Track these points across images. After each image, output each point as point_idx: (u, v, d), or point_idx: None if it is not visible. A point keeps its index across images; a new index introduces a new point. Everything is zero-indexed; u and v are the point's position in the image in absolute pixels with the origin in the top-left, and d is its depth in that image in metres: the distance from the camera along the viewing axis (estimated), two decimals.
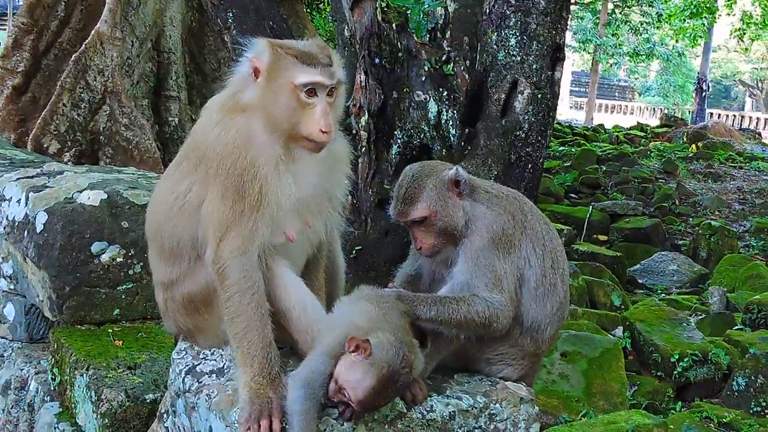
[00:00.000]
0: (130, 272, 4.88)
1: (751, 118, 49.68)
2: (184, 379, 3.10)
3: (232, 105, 3.20)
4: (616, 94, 67.42)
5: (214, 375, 3.08)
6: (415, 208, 3.32)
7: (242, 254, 3.04)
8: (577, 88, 63.82)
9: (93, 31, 9.82)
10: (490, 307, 3.18)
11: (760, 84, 69.91)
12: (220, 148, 3.13)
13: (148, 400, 4.10)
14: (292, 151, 3.15)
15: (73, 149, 9.67)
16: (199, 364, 3.16)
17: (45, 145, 9.49)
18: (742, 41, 40.19)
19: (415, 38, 8.46)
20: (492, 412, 3.17)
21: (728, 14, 38.29)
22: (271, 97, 3.10)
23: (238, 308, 3.01)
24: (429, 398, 3.07)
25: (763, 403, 7.91)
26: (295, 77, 3.06)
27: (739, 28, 38.65)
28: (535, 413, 3.28)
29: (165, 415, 3.42)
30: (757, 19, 37.59)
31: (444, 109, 8.29)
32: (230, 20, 8.66)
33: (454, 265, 3.30)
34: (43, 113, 9.62)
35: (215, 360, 3.19)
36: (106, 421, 4.03)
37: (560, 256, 3.48)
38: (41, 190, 4.90)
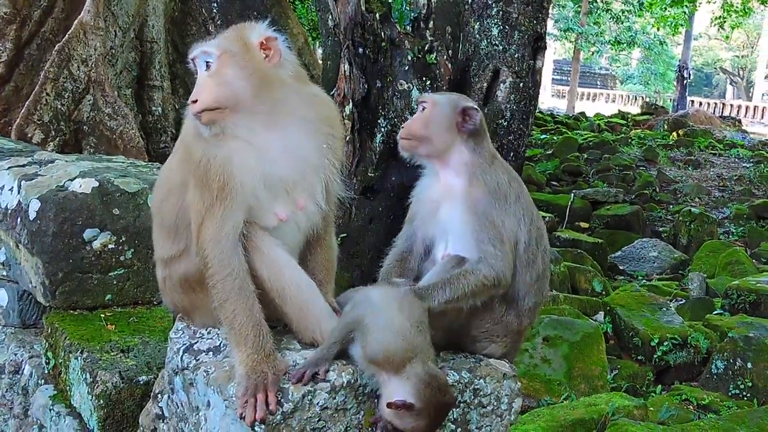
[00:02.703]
0: (122, 258, 4.94)
1: (732, 105, 49.95)
2: (182, 357, 3.20)
3: None
4: (598, 82, 67.52)
5: (210, 353, 3.18)
6: (429, 95, 3.62)
7: (217, 242, 3.11)
8: (558, 77, 63.86)
9: (76, 21, 9.83)
10: (494, 266, 3.30)
11: (740, 72, 70.27)
12: (186, 137, 3.31)
13: (141, 382, 4.18)
14: (250, 127, 3.19)
15: (57, 139, 9.70)
16: (196, 343, 3.25)
17: (29, 135, 9.50)
18: (723, 29, 40.35)
19: (398, 28, 8.52)
20: (476, 387, 3.28)
21: (709, 2, 38.46)
22: None
23: (222, 294, 3.10)
24: None
25: (741, 386, 8.06)
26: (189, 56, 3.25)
27: (720, 16, 38.80)
28: (517, 388, 3.39)
29: (159, 396, 3.51)
30: (737, 7, 37.74)
31: None
32: (215, 10, 8.73)
33: (451, 218, 3.44)
34: (27, 103, 9.63)
35: (212, 338, 3.28)
36: (101, 402, 4.11)
37: (544, 234, 3.62)
38: (33, 179, 4.96)
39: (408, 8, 8.99)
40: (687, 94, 44.42)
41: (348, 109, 8.14)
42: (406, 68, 8.28)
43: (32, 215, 4.77)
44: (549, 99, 54.71)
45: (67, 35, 9.76)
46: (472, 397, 3.27)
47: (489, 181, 3.45)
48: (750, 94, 62.80)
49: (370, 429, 3.04)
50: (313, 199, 3.34)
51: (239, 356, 3.01)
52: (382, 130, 8.27)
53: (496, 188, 3.45)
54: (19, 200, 4.90)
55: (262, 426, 2.86)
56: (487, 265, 3.31)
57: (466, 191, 3.44)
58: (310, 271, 3.38)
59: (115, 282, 4.96)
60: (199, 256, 3.17)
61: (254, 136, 3.19)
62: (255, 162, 3.17)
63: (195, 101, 3.12)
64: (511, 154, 8.60)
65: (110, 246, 4.90)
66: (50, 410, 4.55)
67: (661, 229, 16.45)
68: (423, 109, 3.56)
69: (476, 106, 3.58)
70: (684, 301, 10.88)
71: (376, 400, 3.01)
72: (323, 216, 3.45)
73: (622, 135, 27.84)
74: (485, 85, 8.44)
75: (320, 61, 11.26)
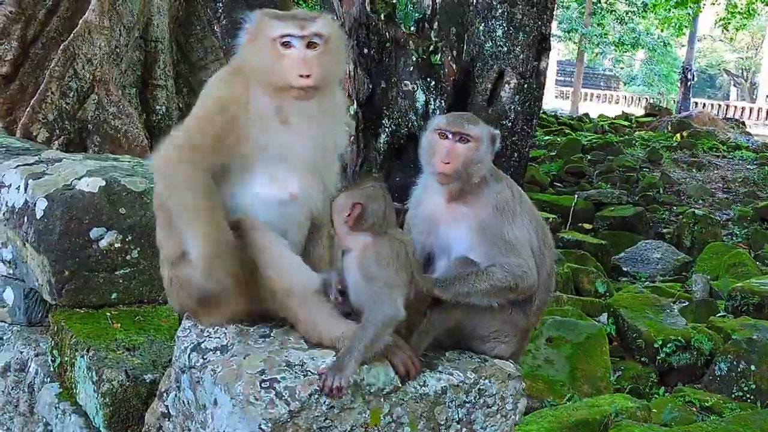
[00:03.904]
0: (128, 257, 4.96)
1: (735, 107, 49.87)
2: (189, 355, 3.21)
3: (233, 68, 3.46)
4: (602, 83, 67.48)
5: (218, 352, 3.18)
6: (472, 127, 3.45)
7: (178, 162, 3.26)
8: (562, 78, 63.83)
9: (81, 20, 9.82)
10: (510, 271, 3.31)
11: (745, 73, 70.23)
12: (211, 99, 3.40)
13: (147, 381, 4.19)
14: (287, 110, 3.31)
15: (62, 137, 9.67)
16: (203, 342, 3.26)
17: (34, 134, 9.49)
18: (727, 31, 40.37)
19: (403, 28, 8.55)
20: (481, 387, 3.29)
21: (713, 4, 38.47)
22: (254, 54, 3.32)
23: (178, 203, 3.26)
24: (422, 374, 3.19)
25: (745, 388, 8.07)
26: (271, 32, 3.26)
27: (724, 18, 38.80)
28: (522, 389, 3.41)
29: (165, 394, 3.53)
30: (741, 9, 37.74)
31: (431, 99, 8.39)
32: (220, 10, 8.75)
33: (455, 237, 3.43)
34: (32, 102, 9.62)
35: (219, 338, 3.28)
36: (107, 400, 4.13)
37: (547, 232, 3.63)
38: (40, 177, 4.97)
39: (412, 9, 9.01)
40: (691, 95, 44.36)
41: (352, 109, 8.18)
42: (411, 69, 8.31)
43: (39, 214, 4.79)
44: (552, 100, 54.66)
45: (72, 34, 9.74)
46: (477, 397, 3.29)
47: (492, 199, 3.44)
48: (754, 96, 62.73)
49: (375, 428, 3.06)
50: (323, 181, 3.47)
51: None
52: (387, 130, 8.30)
53: (503, 204, 3.44)
54: (26, 199, 4.92)
55: (269, 425, 2.88)
56: (503, 270, 3.32)
57: (473, 213, 3.44)
58: (312, 264, 3.43)
59: (121, 281, 4.97)
60: (156, 161, 3.31)
61: (299, 116, 3.35)
62: (286, 135, 3.32)
63: (308, 75, 3.21)
64: (515, 155, 8.63)
65: (116, 245, 4.92)
66: (56, 408, 4.57)
67: (664, 230, 16.45)
68: (466, 142, 3.44)
69: (497, 131, 3.59)
70: (687, 302, 10.87)
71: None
72: (324, 203, 3.53)
73: (626, 136, 27.83)
74: (489, 86, 8.47)
75: None
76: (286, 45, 3.25)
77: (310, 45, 3.26)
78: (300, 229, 3.46)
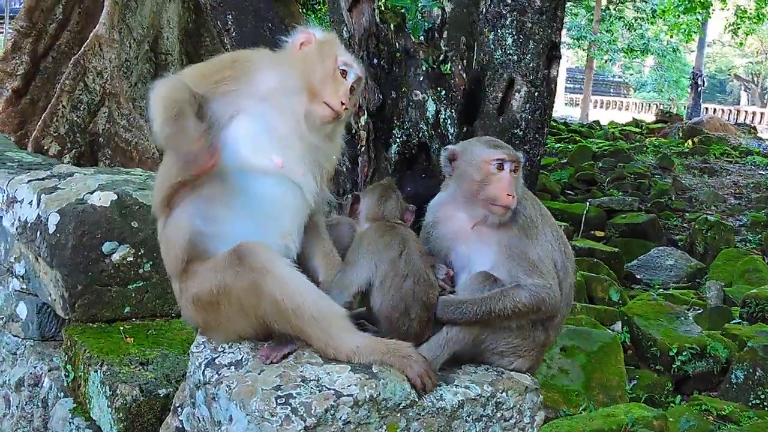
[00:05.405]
0: (140, 271, 4.96)
1: (746, 112, 49.72)
2: (204, 371, 3.19)
3: (274, 57, 3.58)
4: (611, 90, 67.50)
5: (233, 367, 3.16)
6: (520, 154, 3.50)
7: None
8: (572, 85, 63.84)
9: (91, 34, 9.88)
10: (533, 294, 3.29)
11: (755, 78, 70.04)
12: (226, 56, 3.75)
13: (161, 395, 4.19)
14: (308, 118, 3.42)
15: (73, 151, 9.73)
16: (217, 357, 3.23)
17: (45, 147, 9.55)
18: (737, 36, 40.23)
19: (413, 38, 8.52)
20: (498, 400, 3.27)
21: (722, 9, 38.37)
22: (314, 60, 3.46)
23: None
24: (438, 387, 3.17)
25: (762, 396, 8.01)
26: (341, 55, 3.50)
27: (734, 23, 38.72)
28: (539, 401, 3.38)
29: (179, 409, 3.51)
30: (751, 14, 37.65)
31: (442, 108, 8.36)
32: (230, 22, 8.72)
33: (479, 257, 3.40)
34: (43, 115, 9.68)
35: (233, 353, 3.26)
36: (121, 415, 4.12)
37: (568, 244, 3.61)
38: (52, 192, 4.98)
39: (422, 19, 8.99)
40: (701, 101, 44.26)
41: (363, 119, 8.15)
42: (421, 78, 8.27)
43: (51, 228, 4.80)
44: (562, 107, 54.59)
45: (82, 48, 9.81)
46: (495, 411, 3.26)
47: (517, 218, 3.41)
48: (764, 101, 62.58)
49: None
50: (313, 174, 3.48)
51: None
52: (397, 140, 8.27)
53: (527, 222, 3.41)
54: (39, 214, 4.93)
55: None
56: (527, 291, 3.29)
57: (498, 233, 3.40)
58: (314, 273, 3.46)
59: (133, 294, 4.98)
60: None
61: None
62: (272, 112, 3.42)
63: (346, 108, 3.42)
64: (527, 163, 8.57)
65: (129, 259, 4.92)
66: (70, 423, 4.56)
67: (677, 237, 16.38)
68: (517, 171, 3.44)
69: None
70: (702, 310, 10.82)
71: None
72: (316, 210, 3.56)
73: (637, 143, 27.76)
74: (500, 94, 8.42)
75: None
76: (344, 74, 3.46)
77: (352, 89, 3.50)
78: (294, 217, 3.45)
